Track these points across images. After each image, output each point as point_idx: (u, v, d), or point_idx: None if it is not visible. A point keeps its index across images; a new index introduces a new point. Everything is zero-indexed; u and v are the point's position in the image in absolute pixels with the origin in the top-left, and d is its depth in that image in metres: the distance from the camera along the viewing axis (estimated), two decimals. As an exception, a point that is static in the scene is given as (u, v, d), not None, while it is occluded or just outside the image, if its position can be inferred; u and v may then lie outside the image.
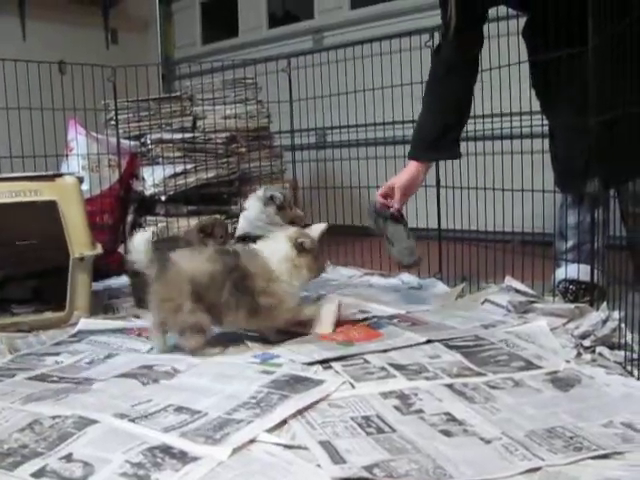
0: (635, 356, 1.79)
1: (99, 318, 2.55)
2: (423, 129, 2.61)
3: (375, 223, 2.56)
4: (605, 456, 1.28)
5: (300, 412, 1.50)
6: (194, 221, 3.54)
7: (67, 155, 3.56)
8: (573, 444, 1.32)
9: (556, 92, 2.44)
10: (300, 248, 2.08)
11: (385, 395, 1.61)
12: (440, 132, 2.55)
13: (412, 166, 2.58)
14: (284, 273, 2.05)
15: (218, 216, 3.38)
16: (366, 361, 1.86)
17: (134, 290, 2.72)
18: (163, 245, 2.76)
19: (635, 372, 1.72)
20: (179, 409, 1.55)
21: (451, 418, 1.48)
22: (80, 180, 2.71)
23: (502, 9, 2.62)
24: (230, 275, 1.99)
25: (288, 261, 2.07)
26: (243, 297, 2.00)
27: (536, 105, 2.61)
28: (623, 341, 1.88)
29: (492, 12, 2.58)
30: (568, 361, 1.83)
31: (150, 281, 2.00)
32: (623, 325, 1.92)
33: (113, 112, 3.72)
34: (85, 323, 2.40)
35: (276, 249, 2.08)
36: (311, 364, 1.85)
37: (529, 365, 1.82)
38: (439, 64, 2.57)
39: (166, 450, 1.33)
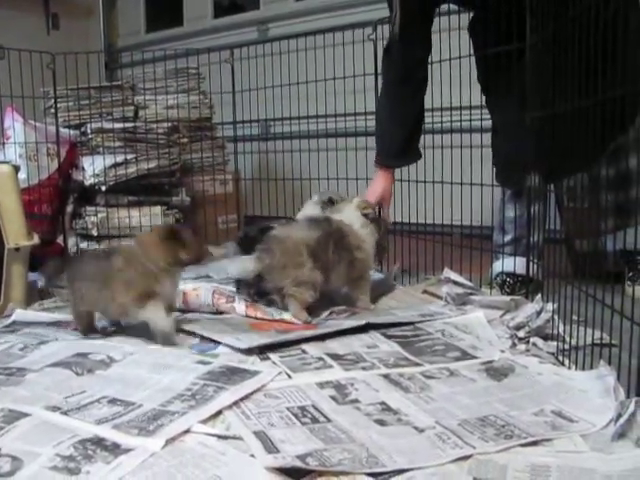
0: (567, 346, 1.83)
1: (35, 306, 2.51)
2: (388, 136, 2.66)
3: None
4: (534, 443, 1.31)
5: (235, 403, 1.49)
6: (135, 212, 3.51)
7: (3, 143, 3.47)
8: (504, 432, 1.35)
9: (499, 87, 2.48)
10: (366, 217, 2.39)
11: (322, 385, 1.62)
12: (406, 139, 2.62)
13: (382, 176, 2.67)
14: (365, 235, 2.38)
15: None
16: (304, 351, 1.86)
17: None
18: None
19: (566, 362, 1.76)
20: (113, 401, 1.53)
21: (386, 407, 1.49)
22: (16, 169, 2.65)
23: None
24: (331, 236, 2.28)
25: (365, 226, 2.38)
26: (343, 252, 2.30)
27: (476, 100, 2.64)
28: (556, 332, 1.93)
29: (445, 5, 2.61)
30: (503, 351, 1.87)
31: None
32: (556, 317, 1.97)
33: (52, 100, 3.64)
34: (20, 314, 2.34)
35: (351, 215, 2.39)
36: (250, 351, 1.85)
37: (465, 355, 1.85)
38: (392, 67, 2.60)
39: (98, 442, 1.31)
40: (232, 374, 1.66)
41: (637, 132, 2.35)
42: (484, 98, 2.66)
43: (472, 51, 2.57)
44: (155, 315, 1.96)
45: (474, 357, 1.83)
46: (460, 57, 2.53)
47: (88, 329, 2.14)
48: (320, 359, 1.80)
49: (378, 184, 2.67)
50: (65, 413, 1.46)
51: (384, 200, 2.66)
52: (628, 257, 2.48)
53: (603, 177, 2.41)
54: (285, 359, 1.80)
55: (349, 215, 2.40)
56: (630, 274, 2.47)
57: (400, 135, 2.63)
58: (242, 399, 1.51)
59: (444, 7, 2.69)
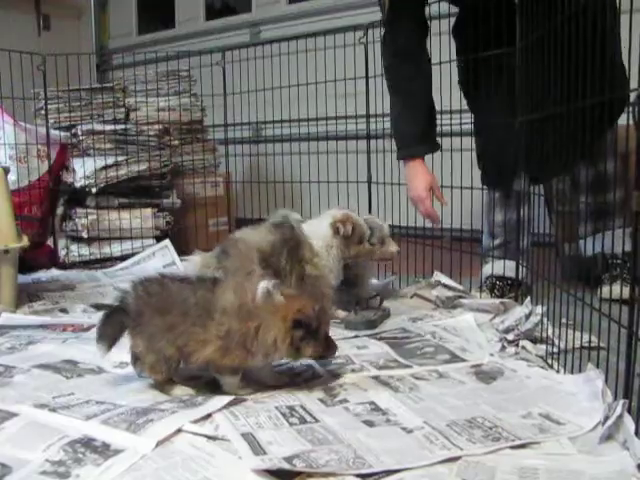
0: (555, 350, 1.84)
1: (25, 309, 2.50)
2: (405, 126, 2.58)
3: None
4: (523, 446, 1.32)
5: (225, 406, 1.49)
6: (125, 214, 3.49)
7: (-7, 144, 3.46)
8: (492, 434, 1.36)
9: (485, 89, 2.48)
10: (335, 231, 2.21)
11: (310, 388, 1.62)
12: (423, 123, 2.54)
13: (415, 167, 2.55)
14: (322, 250, 2.19)
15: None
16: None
17: None
18: None
19: (555, 365, 1.77)
20: (102, 402, 1.53)
21: (375, 408, 1.50)
22: (6, 170, 2.64)
23: (434, 7, 2.65)
24: (287, 244, 2.11)
25: (324, 240, 2.21)
26: (294, 264, 2.11)
27: (465, 103, 2.65)
28: (545, 335, 1.94)
29: (434, 9, 2.61)
30: (492, 354, 1.87)
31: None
32: (545, 320, 1.98)
33: (43, 101, 3.64)
34: (7, 318, 2.32)
35: (317, 227, 2.23)
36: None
37: (454, 358, 1.86)
38: (390, 51, 2.56)
39: (87, 443, 1.31)
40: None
41: (613, 135, 2.38)
42: (467, 100, 2.65)
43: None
44: (231, 388, 1.60)
45: (463, 360, 1.84)
46: (450, 61, 2.54)
47: (170, 382, 1.64)
48: (309, 366, 1.78)
49: (418, 175, 2.52)
50: (54, 410, 1.46)
51: (433, 187, 2.52)
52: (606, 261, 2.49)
53: (582, 180, 2.42)
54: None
55: (316, 224, 2.25)
56: (605, 275, 2.48)
57: (418, 118, 2.52)
58: (232, 403, 1.51)
59: (435, 11, 2.69)
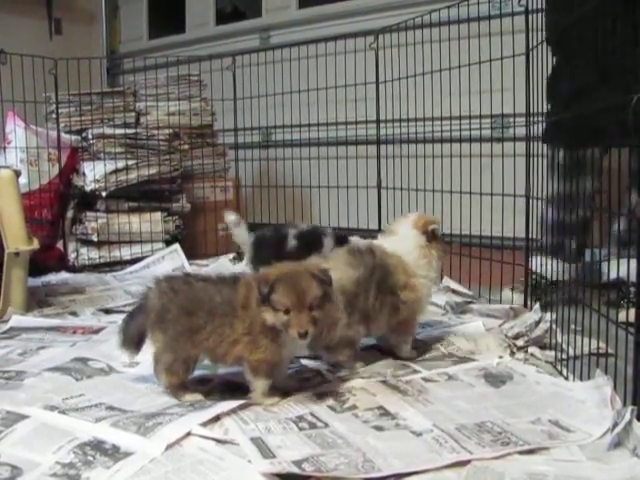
0: (564, 356, 1.84)
1: (35, 313, 2.50)
2: None
3: None
4: (531, 451, 1.32)
5: (234, 410, 1.49)
6: (135, 218, 3.51)
7: (4, 147, 3.49)
8: (501, 439, 1.36)
9: None
10: (431, 236, 1.89)
11: (320, 395, 1.62)
12: None
13: None
14: (420, 266, 1.87)
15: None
16: (302, 364, 1.84)
17: None
18: None
19: (564, 371, 1.76)
20: (111, 407, 1.53)
21: (384, 412, 1.50)
22: (17, 173, 2.65)
23: (444, 13, 2.65)
24: (373, 276, 1.79)
25: (420, 252, 1.87)
26: (386, 296, 1.81)
27: (475, 110, 2.65)
28: (554, 341, 1.93)
29: (444, 15, 2.61)
30: (501, 357, 1.88)
31: None
32: (554, 326, 1.97)
33: (54, 105, 3.66)
34: (17, 320, 2.34)
35: (405, 241, 1.88)
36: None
37: (463, 363, 1.85)
38: None
39: (97, 446, 1.32)
40: (232, 391, 1.65)
41: None
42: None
43: None
44: (260, 395, 1.57)
45: (473, 360, 1.85)
46: (470, 64, 2.53)
47: (182, 386, 1.62)
48: (319, 373, 1.78)
49: None
50: (63, 412, 1.47)
51: None
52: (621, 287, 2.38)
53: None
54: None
55: (401, 238, 1.90)
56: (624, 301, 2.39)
57: None
58: (241, 408, 1.51)
59: (444, 17, 2.69)
